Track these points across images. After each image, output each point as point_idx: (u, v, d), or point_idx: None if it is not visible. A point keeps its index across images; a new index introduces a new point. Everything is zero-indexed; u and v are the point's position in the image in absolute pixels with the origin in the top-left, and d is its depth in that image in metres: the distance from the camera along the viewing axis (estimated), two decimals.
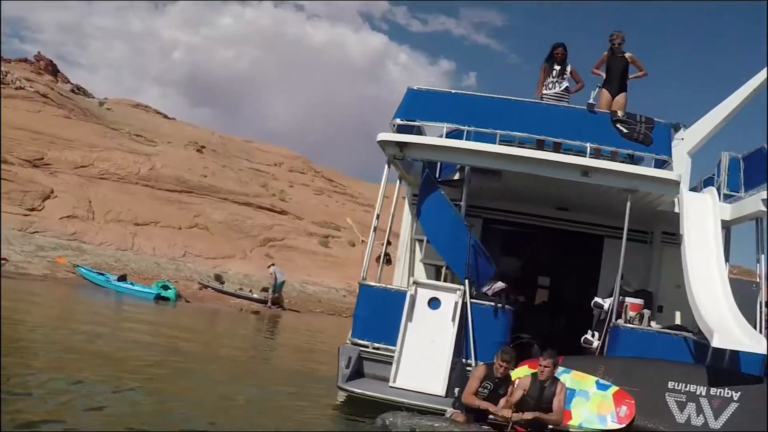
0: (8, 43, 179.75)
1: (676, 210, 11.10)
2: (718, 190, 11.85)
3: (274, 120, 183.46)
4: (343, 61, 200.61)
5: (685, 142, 12.53)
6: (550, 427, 8.65)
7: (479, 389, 8.69)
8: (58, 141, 45.97)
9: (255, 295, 29.00)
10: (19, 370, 8.73)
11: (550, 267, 15.74)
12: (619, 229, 11.95)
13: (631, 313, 10.79)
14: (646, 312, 10.82)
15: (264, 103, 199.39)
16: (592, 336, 10.82)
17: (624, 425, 9.16)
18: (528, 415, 8.35)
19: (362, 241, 45.08)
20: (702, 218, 10.98)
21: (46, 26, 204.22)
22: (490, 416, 8.59)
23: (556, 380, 8.75)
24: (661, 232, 12.82)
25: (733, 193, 11.93)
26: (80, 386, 8.55)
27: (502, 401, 8.57)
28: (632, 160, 11.47)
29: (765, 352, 8.99)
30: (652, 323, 10.84)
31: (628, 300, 11.03)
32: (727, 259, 11.90)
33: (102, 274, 26.24)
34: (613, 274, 12.13)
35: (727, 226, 12.23)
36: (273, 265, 29.50)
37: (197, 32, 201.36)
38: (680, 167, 12.46)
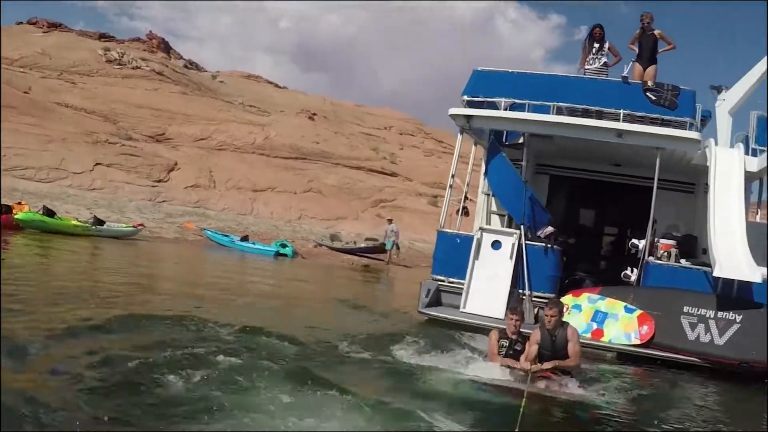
0: (118, 21, 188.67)
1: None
2: (747, 144, 14.24)
3: (384, 83, 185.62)
4: (451, 20, 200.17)
5: (726, 102, 14.98)
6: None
7: (499, 349, 9.28)
8: (177, 116, 50.66)
9: (362, 245, 32.48)
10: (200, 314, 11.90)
11: (608, 215, 18.22)
12: (665, 181, 14.71)
13: (662, 252, 13.37)
14: (674, 251, 13.34)
15: (374, 67, 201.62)
16: (631, 271, 13.47)
17: (644, 342, 12.00)
18: (547, 365, 8.81)
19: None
20: (729, 169, 13.34)
21: (154, 3, 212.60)
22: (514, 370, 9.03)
23: (565, 326, 9.19)
24: (704, 183, 14.48)
25: (761, 148, 14.17)
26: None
27: (522, 357, 9.08)
28: (664, 122, 13.87)
29: (759, 281, 11.56)
30: (682, 260, 13.33)
31: (661, 241, 13.60)
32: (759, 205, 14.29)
33: (226, 236, 30.03)
34: (664, 221, 14.92)
35: (758, 177, 14.67)
36: (391, 222, 32.54)
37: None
38: (722, 125, 14.99)
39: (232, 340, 8.91)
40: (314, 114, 61.85)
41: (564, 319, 11.63)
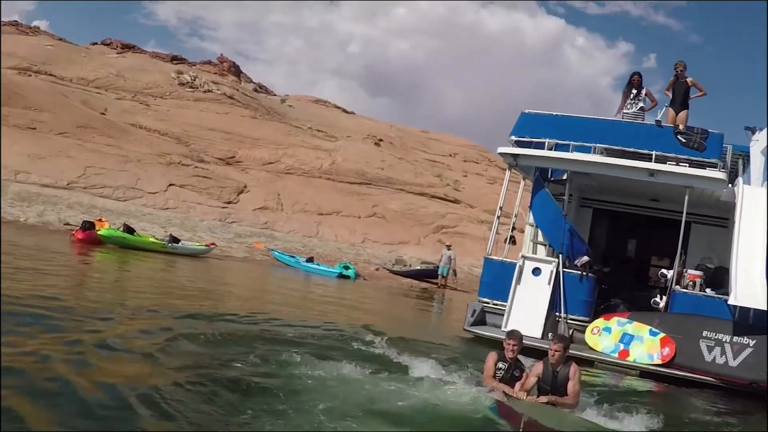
0: (188, 41, 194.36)
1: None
2: None
3: (450, 109, 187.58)
4: (519, 47, 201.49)
5: (759, 142, 16.53)
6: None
7: (496, 371, 9.32)
8: (246, 140, 53.35)
9: (419, 267, 34.42)
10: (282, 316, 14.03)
11: (645, 246, 19.76)
12: (700, 215, 16.42)
13: (689, 282, 14.99)
14: (699, 281, 14.93)
15: (441, 93, 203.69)
16: (660, 298, 15.13)
17: (665, 362, 13.67)
18: (543, 399, 8.89)
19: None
20: (754, 205, 14.72)
21: (224, 24, 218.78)
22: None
23: (569, 363, 9.23)
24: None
25: None
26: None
27: (518, 385, 9.11)
28: (693, 163, 15.46)
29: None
30: (707, 290, 14.88)
31: (689, 271, 15.24)
32: None
33: (293, 257, 32.09)
34: (698, 253, 16.54)
35: None
36: (449, 248, 34.13)
37: (372, 24, 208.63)
38: (755, 164, 16.55)
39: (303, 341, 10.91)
40: (380, 140, 64.07)
41: (588, 341, 13.43)
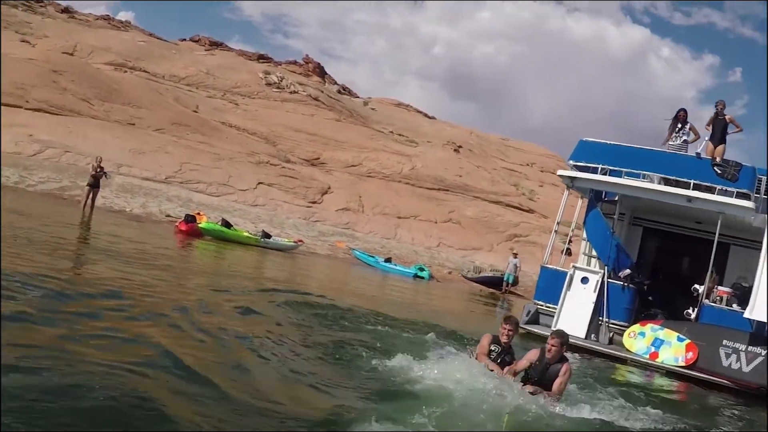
0: (273, 38, 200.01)
1: None
2: None
3: (532, 116, 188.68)
4: (603, 56, 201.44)
5: None
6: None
7: (489, 352, 9.70)
8: (330, 142, 56.98)
9: (488, 274, 37.18)
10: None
11: (686, 263, 22.16)
12: (738, 238, 19.02)
13: (717, 297, 17.65)
14: (725, 296, 17.57)
15: (523, 99, 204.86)
16: (692, 310, 17.75)
17: (688, 365, 16.34)
18: (528, 388, 9.01)
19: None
20: None
21: (309, 21, 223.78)
22: None
23: (564, 362, 9.34)
24: None
25: None
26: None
27: (508, 368, 9.45)
28: (727, 192, 17.97)
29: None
30: (734, 305, 17.47)
31: (719, 288, 17.88)
32: None
33: (372, 257, 35.22)
34: (735, 272, 19.15)
35: None
36: (515, 257, 36.91)
37: (456, 27, 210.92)
38: None
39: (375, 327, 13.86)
40: (460, 146, 66.92)
41: (625, 343, 16.10)
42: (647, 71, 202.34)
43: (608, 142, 19.48)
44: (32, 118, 40.62)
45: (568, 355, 9.75)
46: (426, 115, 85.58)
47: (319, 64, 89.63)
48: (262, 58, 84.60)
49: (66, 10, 79.79)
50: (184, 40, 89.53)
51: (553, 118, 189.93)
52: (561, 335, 9.46)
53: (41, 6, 77.25)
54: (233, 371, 8.14)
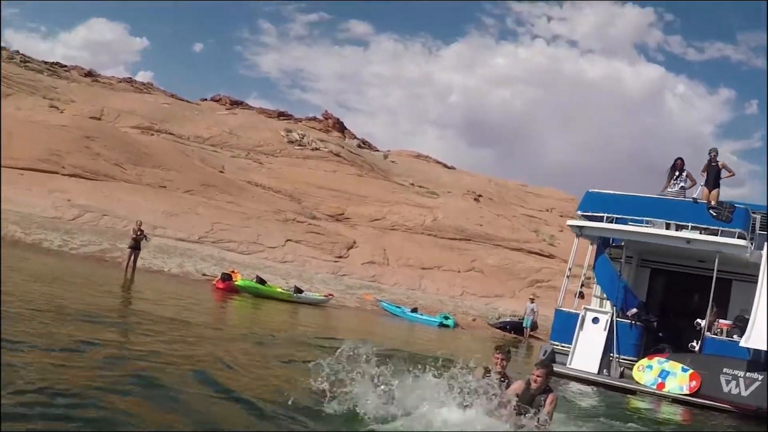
0: (290, 93, 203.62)
1: None
2: None
3: (549, 160, 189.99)
4: (619, 96, 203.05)
5: None
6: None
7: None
8: (353, 197, 59.33)
9: (508, 319, 39.38)
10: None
11: (692, 299, 23.86)
12: (739, 274, 20.83)
13: (718, 329, 19.50)
14: (725, 328, 19.43)
15: (540, 143, 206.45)
16: (696, 343, 19.56)
17: (692, 393, 18.13)
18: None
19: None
20: None
21: (325, 75, 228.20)
22: None
23: (548, 393, 9.46)
24: None
25: None
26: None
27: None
28: (722, 233, 19.84)
29: (765, 349, 17.46)
30: (734, 336, 19.28)
31: (720, 321, 19.73)
32: None
33: (399, 307, 37.15)
34: (737, 305, 20.95)
35: None
36: (532, 301, 38.90)
37: (472, 74, 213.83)
38: None
39: None
40: (480, 195, 69.00)
41: (634, 376, 17.87)
42: (664, 109, 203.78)
43: (612, 192, 21.47)
44: (69, 184, 43.22)
45: (583, 387, 10.97)
46: (445, 165, 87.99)
47: (338, 119, 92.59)
48: (282, 115, 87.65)
49: (89, 74, 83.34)
50: (205, 99, 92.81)
51: (571, 161, 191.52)
52: (545, 366, 9.76)
53: (65, 71, 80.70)
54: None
